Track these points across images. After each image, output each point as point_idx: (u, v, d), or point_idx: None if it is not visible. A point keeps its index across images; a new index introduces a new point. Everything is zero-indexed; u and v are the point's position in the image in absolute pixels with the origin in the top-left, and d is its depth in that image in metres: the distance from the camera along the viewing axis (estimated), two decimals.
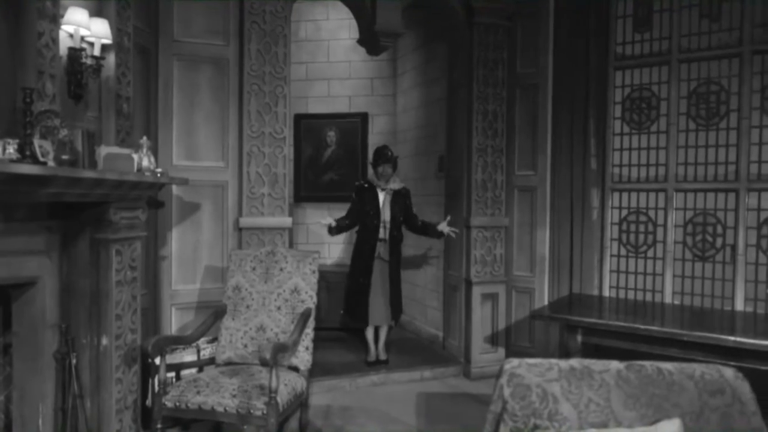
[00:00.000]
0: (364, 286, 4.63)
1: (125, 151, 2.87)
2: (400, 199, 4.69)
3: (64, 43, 2.70)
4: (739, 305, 3.78)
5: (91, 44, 2.82)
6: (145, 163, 2.95)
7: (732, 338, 2.95)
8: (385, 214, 4.63)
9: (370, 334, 4.74)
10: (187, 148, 3.82)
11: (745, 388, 1.81)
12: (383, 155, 4.65)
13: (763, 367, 2.86)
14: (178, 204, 3.79)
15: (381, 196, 4.64)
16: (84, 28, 2.73)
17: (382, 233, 4.63)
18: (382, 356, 4.73)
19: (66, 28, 2.69)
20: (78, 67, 2.75)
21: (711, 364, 1.90)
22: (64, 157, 2.45)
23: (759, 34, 3.75)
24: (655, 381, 1.83)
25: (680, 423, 1.73)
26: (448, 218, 4.65)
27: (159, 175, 3.01)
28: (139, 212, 2.97)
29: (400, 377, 4.50)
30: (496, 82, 4.65)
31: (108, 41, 2.88)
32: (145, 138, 3.04)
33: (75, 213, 2.72)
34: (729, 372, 1.84)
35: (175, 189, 3.75)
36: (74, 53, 2.73)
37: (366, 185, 4.70)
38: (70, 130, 2.53)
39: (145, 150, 2.98)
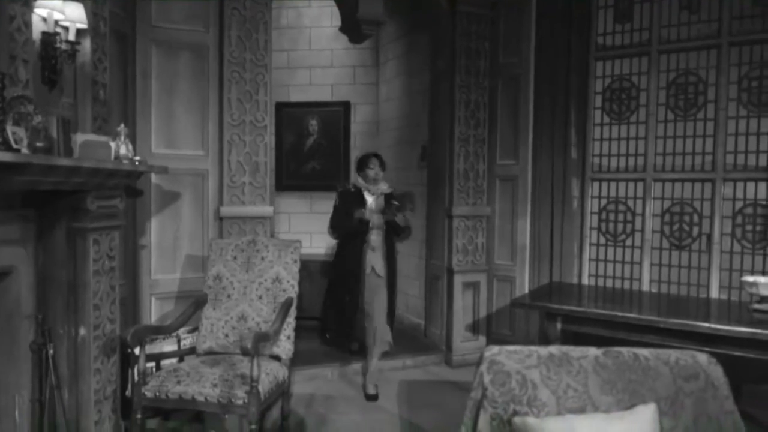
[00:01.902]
0: (350, 305, 4.14)
1: (102, 138, 2.82)
2: (388, 201, 4.24)
3: (38, 28, 2.62)
4: (714, 293, 3.85)
5: (66, 29, 2.75)
6: (122, 150, 2.91)
7: (706, 325, 3.00)
8: (375, 220, 4.12)
9: (373, 362, 4.05)
10: (167, 136, 3.76)
11: (718, 372, 1.85)
12: (369, 155, 4.30)
13: (736, 353, 2.92)
14: (158, 193, 3.74)
15: (369, 199, 4.19)
16: (58, 12, 2.66)
17: (375, 241, 4.12)
18: (370, 390, 3.96)
19: (39, 12, 2.62)
20: (52, 52, 2.67)
21: (686, 350, 1.94)
22: (39, 144, 2.39)
23: (737, 25, 3.79)
24: (631, 367, 1.86)
25: (655, 407, 1.76)
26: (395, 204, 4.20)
27: (137, 163, 2.96)
28: (117, 201, 2.92)
29: (382, 365, 4.52)
30: (479, 72, 4.65)
31: (83, 26, 2.81)
32: (122, 125, 2.99)
33: (51, 202, 2.67)
34: (703, 357, 1.88)
35: (154, 178, 3.69)
36: (48, 38, 2.66)
37: (352, 189, 4.26)
38: (44, 116, 2.47)
39: (122, 137, 2.94)
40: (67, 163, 2.41)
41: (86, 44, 2.90)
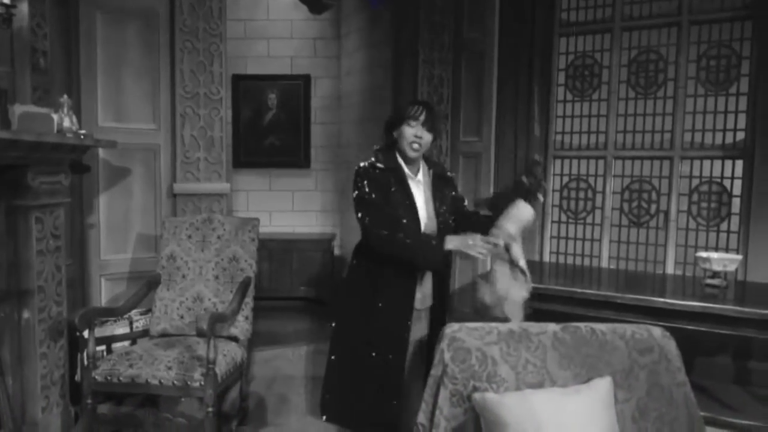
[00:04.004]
0: (394, 371, 2.35)
1: (43, 110, 2.67)
2: (443, 188, 2.50)
3: None
4: (670, 269, 3.93)
5: None
6: (66, 123, 2.78)
7: (661, 300, 3.08)
8: (426, 218, 2.40)
9: None
10: (115, 108, 3.58)
11: (671, 346, 1.91)
12: (418, 105, 2.39)
13: (689, 326, 3.00)
14: (106, 168, 3.58)
15: (414, 186, 2.40)
16: None
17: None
18: None
19: None
20: None
21: (641, 325, 1.99)
22: None
23: (697, 4, 3.81)
24: (588, 341, 1.90)
25: (611, 380, 1.81)
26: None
27: (82, 137, 2.84)
28: (61, 177, 2.80)
29: None
30: (443, 47, 4.56)
31: None
32: (65, 96, 2.85)
33: None
34: (657, 331, 1.93)
35: (101, 152, 3.53)
36: None
37: (377, 169, 2.35)
38: None
39: (66, 109, 2.81)
40: (4, 136, 2.28)
41: (23, 8, 2.74)
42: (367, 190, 2.32)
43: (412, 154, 2.34)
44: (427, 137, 2.33)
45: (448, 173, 2.54)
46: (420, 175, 2.41)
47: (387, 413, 2.33)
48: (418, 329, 2.45)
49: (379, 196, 2.30)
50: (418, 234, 2.31)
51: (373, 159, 2.37)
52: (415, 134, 2.32)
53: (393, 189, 2.32)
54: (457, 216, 2.50)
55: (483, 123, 4.53)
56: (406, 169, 2.37)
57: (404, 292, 2.34)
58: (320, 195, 5.93)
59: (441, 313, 2.49)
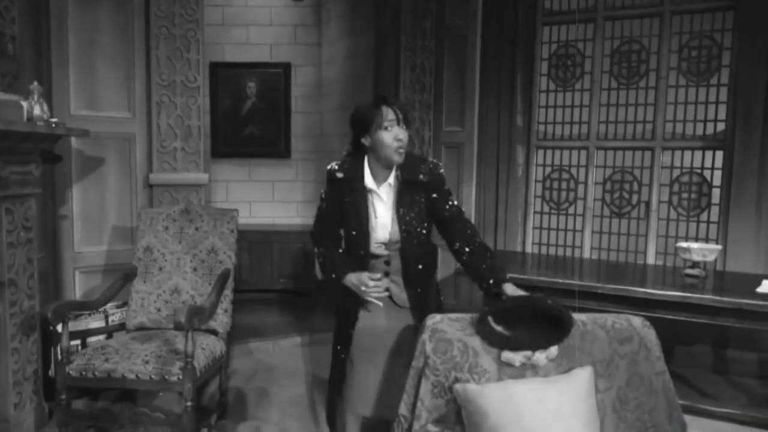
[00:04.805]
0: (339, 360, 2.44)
1: (12, 97, 2.58)
2: (412, 193, 2.24)
3: None
4: (651, 259, 3.96)
5: None
6: (36, 111, 2.69)
7: (642, 290, 3.09)
8: (387, 226, 2.25)
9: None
10: (88, 96, 3.47)
11: (651, 335, 1.92)
12: (380, 99, 2.22)
13: (669, 316, 3.02)
14: (79, 158, 3.47)
15: (377, 194, 2.24)
16: None
17: (389, 260, 2.28)
18: None
19: None
20: None
21: (622, 315, 2.00)
22: None
23: None
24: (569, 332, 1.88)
25: (591, 370, 1.82)
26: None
27: (54, 125, 2.75)
28: (32, 167, 2.72)
29: (324, 338, 4.42)
30: (425, 34, 4.51)
31: None
32: (36, 83, 2.74)
33: None
34: (637, 321, 1.94)
35: (74, 142, 3.42)
36: None
37: (346, 177, 2.24)
38: None
39: (36, 97, 2.70)
40: None
41: None
42: (323, 194, 2.32)
43: (398, 159, 2.15)
44: (406, 136, 2.16)
45: (421, 176, 2.20)
46: (390, 179, 2.22)
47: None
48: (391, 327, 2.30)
49: (330, 202, 2.28)
50: (335, 254, 2.28)
51: (337, 165, 2.27)
52: (395, 138, 2.12)
53: (347, 199, 2.23)
54: (437, 220, 2.28)
55: (466, 112, 4.50)
56: (368, 179, 2.21)
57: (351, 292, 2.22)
58: (301, 185, 5.87)
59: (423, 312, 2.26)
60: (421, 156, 2.49)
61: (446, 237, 2.28)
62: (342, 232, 2.30)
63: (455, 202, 2.28)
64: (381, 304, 2.20)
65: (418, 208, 2.22)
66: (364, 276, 2.14)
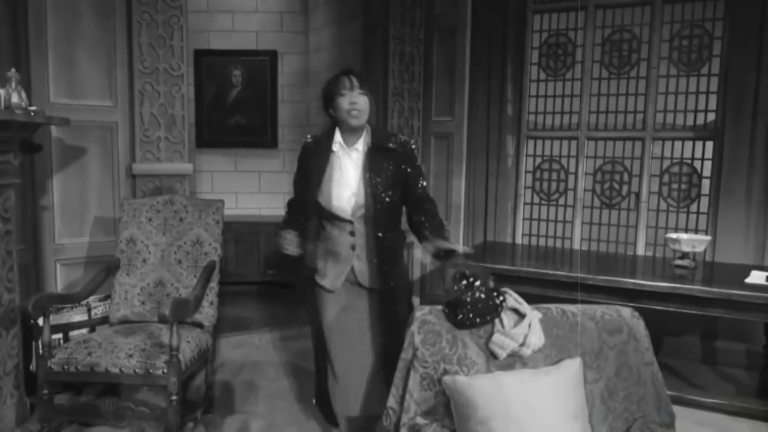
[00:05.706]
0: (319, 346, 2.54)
1: None
2: (381, 160, 2.33)
3: None
4: (641, 250, 3.96)
5: None
6: (14, 99, 2.62)
7: (631, 281, 3.09)
8: (354, 192, 2.32)
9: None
10: (68, 83, 3.38)
11: (640, 326, 1.93)
12: (342, 73, 2.33)
13: (658, 307, 3.03)
14: (59, 148, 3.39)
15: (345, 157, 2.35)
16: None
17: (354, 229, 2.33)
18: None
19: None
20: None
21: (611, 306, 2.01)
22: None
23: None
24: (559, 323, 1.92)
25: (580, 361, 1.84)
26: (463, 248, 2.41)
27: (33, 113, 2.68)
28: (10, 156, 2.65)
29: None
30: (414, 23, 4.45)
31: None
32: (13, 70, 2.66)
33: None
34: (626, 312, 1.96)
35: (54, 131, 3.34)
36: None
37: (314, 143, 2.41)
38: None
39: (14, 84, 2.63)
40: None
41: None
42: (297, 161, 2.50)
43: (354, 122, 2.30)
44: (362, 100, 2.29)
45: (390, 144, 2.35)
46: (359, 145, 2.36)
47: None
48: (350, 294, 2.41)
49: (299, 172, 2.48)
50: (291, 217, 2.50)
51: (310, 136, 2.48)
52: (349, 102, 2.28)
53: (311, 162, 2.39)
54: (406, 193, 2.38)
55: (455, 102, 4.45)
56: (339, 141, 2.36)
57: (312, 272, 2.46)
58: (288, 176, 5.75)
59: (390, 295, 2.41)
60: (393, 132, 2.74)
61: (410, 210, 2.43)
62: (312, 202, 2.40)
63: (425, 183, 2.43)
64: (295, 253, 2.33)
65: (386, 174, 2.32)
66: (288, 231, 2.34)
